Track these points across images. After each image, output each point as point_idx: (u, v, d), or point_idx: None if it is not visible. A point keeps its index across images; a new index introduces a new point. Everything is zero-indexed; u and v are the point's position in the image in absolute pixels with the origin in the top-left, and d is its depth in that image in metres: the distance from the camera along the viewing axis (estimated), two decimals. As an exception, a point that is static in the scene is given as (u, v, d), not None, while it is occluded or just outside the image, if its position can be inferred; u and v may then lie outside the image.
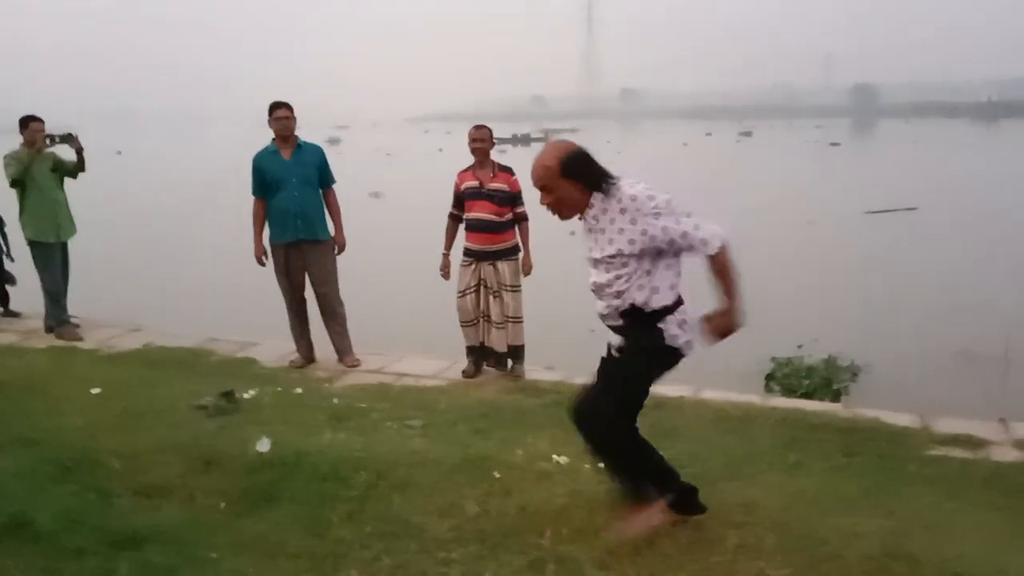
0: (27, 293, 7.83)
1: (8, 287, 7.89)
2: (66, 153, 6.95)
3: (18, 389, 4.88)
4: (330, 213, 5.95)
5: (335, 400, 5.00)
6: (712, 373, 7.54)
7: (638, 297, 2.86)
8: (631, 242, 2.80)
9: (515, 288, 5.52)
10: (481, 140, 5.48)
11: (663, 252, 2.84)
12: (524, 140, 77.42)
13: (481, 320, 5.60)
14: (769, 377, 7.19)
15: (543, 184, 2.85)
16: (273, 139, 5.79)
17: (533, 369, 5.81)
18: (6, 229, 7.77)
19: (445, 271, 5.76)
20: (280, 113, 5.69)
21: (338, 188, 6.08)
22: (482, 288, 5.53)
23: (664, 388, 5.38)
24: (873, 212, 20.10)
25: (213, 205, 22.46)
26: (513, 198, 5.48)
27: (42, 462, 3.69)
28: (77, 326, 7.01)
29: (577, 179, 2.83)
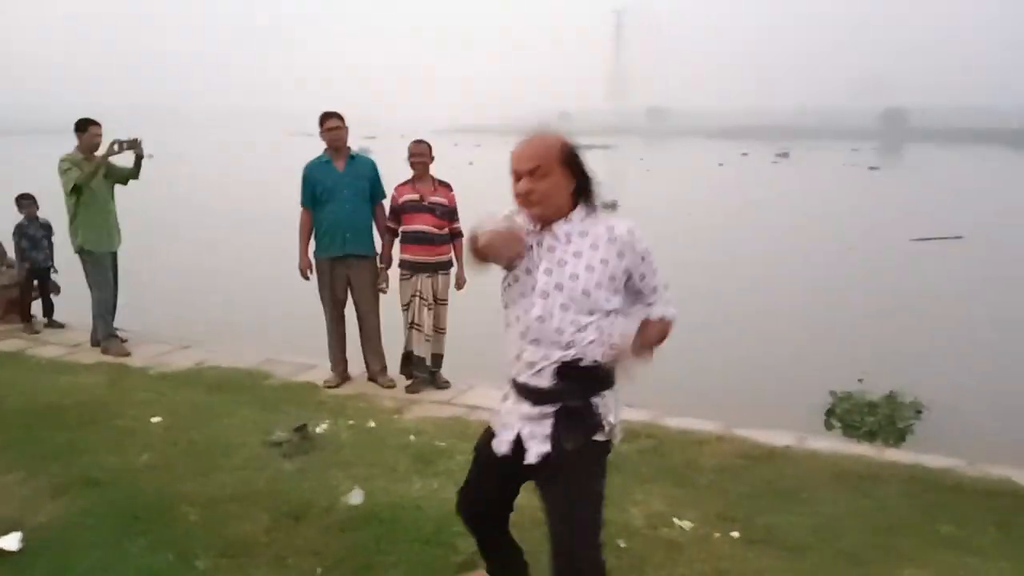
0: (70, 304, 7.52)
1: (52, 296, 7.58)
2: (119, 159, 6.59)
3: (76, 418, 4.46)
4: (377, 228, 5.67)
5: (412, 437, 4.58)
6: (765, 405, 7.14)
7: (597, 353, 2.22)
8: (612, 278, 2.22)
9: (446, 302, 5.63)
10: (420, 155, 5.50)
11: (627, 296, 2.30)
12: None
13: (413, 329, 5.60)
14: (829, 412, 6.78)
15: (538, 165, 2.19)
16: (325, 149, 5.53)
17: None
18: (53, 238, 7.45)
19: (385, 283, 5.71)
20: (331, 124, 5.46)
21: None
22: (417, 299, 5.52)
23: (765, 435, 4.93)
24: (919, 240, 19.62)
25: (251, 215, 22.18)
26: (451, 213, 5.53)
27: (111, 509, 3.29)
28: (125, 341, 6.63)
29: (574, 175, 2.24)
